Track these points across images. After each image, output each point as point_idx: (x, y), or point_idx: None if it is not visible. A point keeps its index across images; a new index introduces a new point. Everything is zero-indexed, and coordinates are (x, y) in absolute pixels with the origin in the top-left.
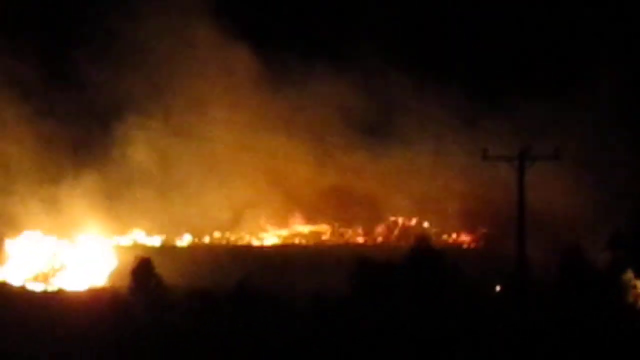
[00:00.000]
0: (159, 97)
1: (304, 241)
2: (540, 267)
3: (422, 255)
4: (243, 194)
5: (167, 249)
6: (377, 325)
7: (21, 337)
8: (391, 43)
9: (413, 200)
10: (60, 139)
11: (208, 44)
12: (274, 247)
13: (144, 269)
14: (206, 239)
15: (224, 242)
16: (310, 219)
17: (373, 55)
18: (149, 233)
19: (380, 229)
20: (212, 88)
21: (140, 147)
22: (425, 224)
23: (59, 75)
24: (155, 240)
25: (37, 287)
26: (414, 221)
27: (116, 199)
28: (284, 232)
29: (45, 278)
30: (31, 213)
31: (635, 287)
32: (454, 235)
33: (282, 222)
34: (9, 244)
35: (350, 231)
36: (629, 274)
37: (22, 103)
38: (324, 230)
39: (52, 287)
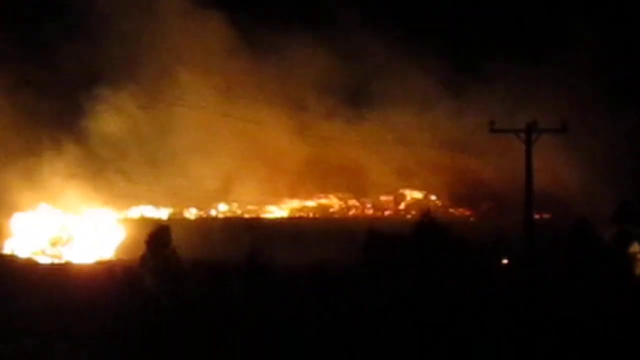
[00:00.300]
0: (143, 69)
1: (311, 214)
2: (547, 240)
3: (427, 229)
4: (246, 167)
5: (174, 222)
6: (385, 298)
7: (28, 309)
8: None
9: (420, 173)
10: (45, 112)
11: (187, 13)
12: (282, 220)
13: (160, 237)
14: (212, 212)
15: (230, 214)
16: (317, 192)
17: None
18: (157, 206)
19: (387, 201)
20: (199, 59)
21: (137, 122)
22: (432, 197)
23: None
24: (163, 213)
25: (44, 260)
26: (421, 194)
27: (120, 173)
28: (292, 205)
29: (52, 250)
30: (36, 187)
31: None
32: (461, 209)
33: (287, 195)
34: (16, 218)
35: (357, 204)
36: (636, 247)
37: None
38: (332, 204)
39: (59, 259)
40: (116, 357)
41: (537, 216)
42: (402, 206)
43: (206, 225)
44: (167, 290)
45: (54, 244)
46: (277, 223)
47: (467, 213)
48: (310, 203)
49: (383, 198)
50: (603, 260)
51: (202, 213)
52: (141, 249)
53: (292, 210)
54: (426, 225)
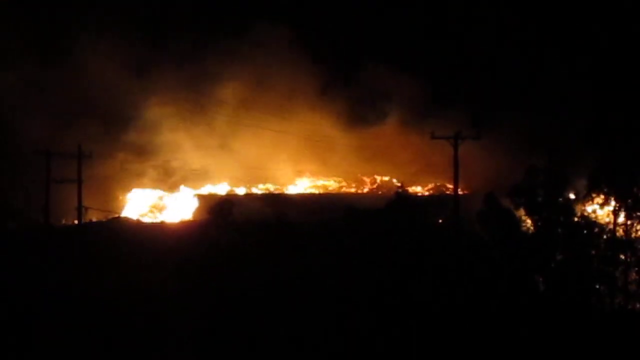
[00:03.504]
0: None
1: (316, 191)
2: (469, 205)
3: (400, 202)
4: (273, 160)
5: (229, 196)
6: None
7: (137, 251)
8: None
9: (388, 163)
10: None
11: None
12: (297, 195)
13: (222, 206)
14: (254, 190)
15: (265, 190)
16: (320, 175)
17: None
18: (215, 184)
19: (366, 183)
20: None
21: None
22: (394, 180)
23: None
24: (221, 190)
25: (147, 220)
26: (387, 177)
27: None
28: (305, 184)
29: (152, 214)
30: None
31: (524, 221)
32: (413, 187)
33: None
34: (130, 194)
35: (345, 184)
36: (521, 211)
37: None
38: (329, 184)
39: (156, 220)
40: (192, 279)
41: (460, 192)
42: (375, 185)
43: (251, 198)
44: (225, 239)
45: (152, 210)
46: (295, 196)
47: (418, 190)
48: (317, 182)
49: (363, 181)
50: (500, 221)
51: (248, 190)
52: (208, 213)
53: (305, 188)
54: (399, 198)
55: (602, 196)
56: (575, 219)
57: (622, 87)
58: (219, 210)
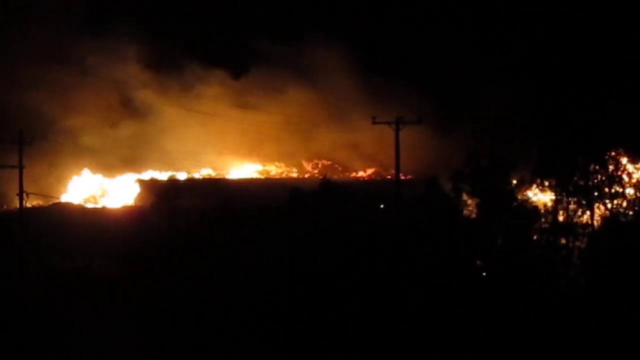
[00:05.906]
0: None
1: (259, 176)
2: (412, 188)
3: (327, 187)
4: (214, 146)
5: (170, 182)
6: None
7: (78, 236)
8: None
9: (328, 148)
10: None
11: None
12: (240, 180)
13: (165, 191)
14: (196, 175)
15: (207, 176)
16: (261, 161)
17: None
18: (160, 171)
19: (308, 167)
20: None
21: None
22: (336, 165)
23: None
24: (164, 176)
25: (89, 205)
26: (328, 162)
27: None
28: (247, 169)
29: (94, 199)
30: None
31: (467, 203)
32: (355, 172)
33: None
34: (72, 179)
35: (287, 169)
36: (464, 196)
37: None
38: (272, 169)
39: (98, 205)
40: (135, 267)
41: (402, 177)
42: (316, 170)
43: (193, 183)
44: (167, 226)
45: (95, 197)
46: (237, 181)
47: (360, 175)
48: (258, 167)
49: (305, 165)
50: (443, 203)
51: (190, 175)
52: (150, 199)
53: (247, 173)
54: (326, 184)
55: (545, 182)
56: (517, 204)
57: (565, 74)
58: (163, 196)
